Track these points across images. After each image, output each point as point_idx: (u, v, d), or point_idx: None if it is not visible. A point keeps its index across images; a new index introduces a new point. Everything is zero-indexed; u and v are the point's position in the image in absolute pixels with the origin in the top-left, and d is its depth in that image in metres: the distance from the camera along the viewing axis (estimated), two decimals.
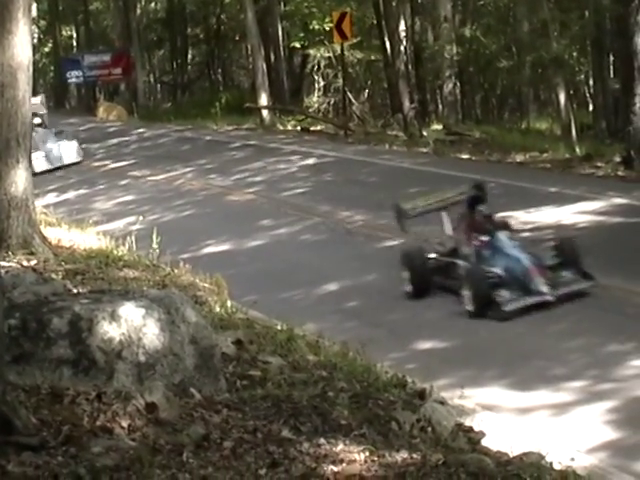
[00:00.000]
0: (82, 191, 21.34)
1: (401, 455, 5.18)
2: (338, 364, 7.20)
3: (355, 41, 32.38)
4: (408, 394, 6.82)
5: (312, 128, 30.89)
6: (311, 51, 36.40)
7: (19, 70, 10.73)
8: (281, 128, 31.43)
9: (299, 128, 31.16)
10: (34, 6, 43.82)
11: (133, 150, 28.43)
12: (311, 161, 23.22)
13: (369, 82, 38.04)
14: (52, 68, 54.54)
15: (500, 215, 12.50)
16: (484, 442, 6.23)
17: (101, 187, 21.74)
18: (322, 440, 5.21)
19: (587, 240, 13.49)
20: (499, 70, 34.45)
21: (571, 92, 30.44)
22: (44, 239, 11.21)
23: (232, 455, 4.92)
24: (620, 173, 19.30)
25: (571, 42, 30.31)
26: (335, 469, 4.89)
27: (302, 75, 41.02)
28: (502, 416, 7.86)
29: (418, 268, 11.67)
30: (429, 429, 6.04)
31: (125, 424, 5.05)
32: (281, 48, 37.56)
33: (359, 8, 35.47)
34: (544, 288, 10.49)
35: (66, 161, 24.78)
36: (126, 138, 31.15)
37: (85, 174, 23.85)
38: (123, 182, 22.20)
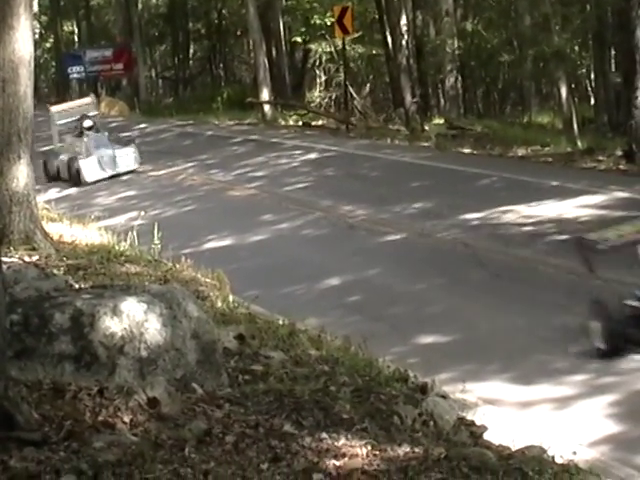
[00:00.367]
0: (84, 186, 21.34)
1: (403, 449, 5.18)
2: (340, 358, 7.20)
3: (356, 35, 32.39)
4: (410, 388, 6.82)
5: (314, 123, 30.91)
6: (313, 46, 36.44)
7: (20, 65, 10.73)
8: (283, 123, 31.44)
9: (301, 123, 31.18)
10: (35, 1, 43.87)
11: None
12: (313, 156, 23.22)
13: (371, 76, 38.05)
14: (54, 63, 54.58)
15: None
16: (486, 436, 6.23)
17: (103, 182, 21.74)
18: (324, 434, 5.21)
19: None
20: (501, 64, 34.52)
21: (573, 86, 30.45)
22: (46, 234, 11.22)
23: (234, 450, 4.92)
24: (622, 167, 19.31)
25: (573, 36, 30.33)
26: (337, 463, 4.89)
27: (304, 70, 41.02)
28: (504, 410, 7.86)
29: (613, 319, 9.14)
30: (431, 423, 6.03)
31: (127, 419, 5.05)
32: (283, 43, 37.57)
33: (360, 2, 35.50)
34: None
35: (122, 168, 22.27)
36: (128, 133, 31.03)
37: None
38: (125, 177, 22.19)
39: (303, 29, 36.99)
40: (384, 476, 4.81)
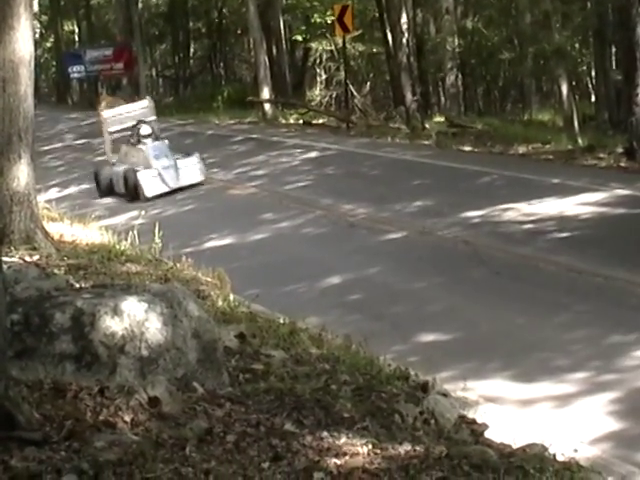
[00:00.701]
0: (84, 186, 21.32)
1: (404, 448, 5.18)
2: (341, 357, 7.20)
3: (357, 34, 32.41)
4: (411, 387, 6.82)
5: (314, 121, 30.91)
6: (313, 44, 36.47)
7: (21, 65, 10.73)
8: (283, 121, 31.44)
9: (301, 121, 31.18)
10: (35, 1, 43.83)
11: None
12: (313, 154, 23.21)
13: (371, 75, 38.08)
14: (54, 63, 54.59)
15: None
16: (487, 434, 6.23)
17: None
18: (325, 433, 5.21)
19: (590, 231, 13.53)
20: (501, 62, 34.52)
21: (573, 83, 30.46)
22: (46, 234, 11.22)
23: (235, 449, 4.92)
24: (623, 164, 19.30)
25: (573, 33, 30.36)
26: (338, 462, 4.89)
27: (304, 68, 41.05)
28: (505, 408, 7.86)
29: None
30: (432, 421, 6.04)
31: (128, 418, 5.06)
32: (283, 41, 37.60)
33: (360, 1, 35.52)
34: None
35: (186, 181, 19.56)
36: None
37: (87, 169, 23.78)
38: None
39: (303, 28, 37.02)
40: (385, 475, 4.81)
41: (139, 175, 19.03)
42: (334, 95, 35.22)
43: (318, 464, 4.84)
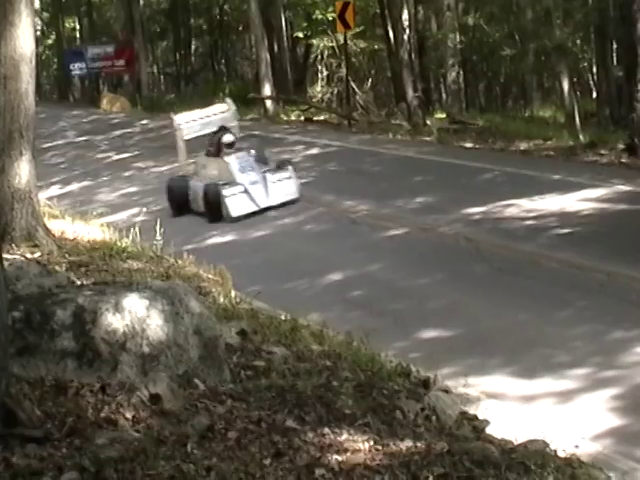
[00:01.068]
0: (86, 183, 21.33)
1: (405, 444, 5.19)
2: (342, 354, 7.21)
3: (358, 30, 32.38)
4: (412, 383, 6.83)
5: (316, 118, 30.88)
6: (314, 41, 36.41)
7: (22, 62, 10.72)
8: (285, 118, 31.41)
9: (303, 118, 31.15)
10: None
11: (137, 141, 28.41)
12: (315, 151, 23.20)
13: (372, 71, 38.01)
14: (55, 60, 54.53)
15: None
16: (488, 430, 6.24)
17: (105, 179, 21.73)
18: (326, 430, 5.22)
19: (591, 228, 13.52)
20: (502, 58, 34.50)
21: (574, 80, 30.46)
22: (48, 231, 11.22)
23: (236, 445, 4.93)
24: (624, 160, 19.28)
25: (574, 30, 30.34)
26: (339, 458, 4.90)
27: (305, 65, 41.03)
28: (506, 404, 7.86)
29: None
30: (433, 418, 6.04)
31: (129, 415, 5.06)
32: (284, 38, 37.58)
33: None
34: None
35: (278, 199, 16.63)
36: (130, 130, 31.15)
37: (89, 166, 23.85)
38: (127, 174, 22.18)
39: (305, 24, 36.99)
40: (386, 471, 4.81)
41: (223, 192, 16.26)
42: (335, 92, 35.17)
43: (320, 461, 4.85)
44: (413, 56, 32.03)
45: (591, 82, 36.18)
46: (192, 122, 18.27)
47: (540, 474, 5.09)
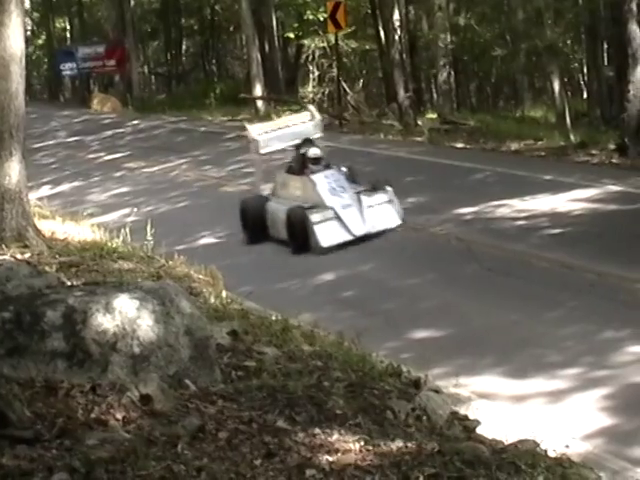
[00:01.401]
0: (76, 183, 21.29)
1: (396, 444, 5.19)
2: (333, 354, 7.20)
3: (349, 31, 32.36)
4: (403, 383, 6.83)
5: None
6: (305, 41, 36.37)
7: (12, 62, 10.70)
8: (276, 118, 31.38)
9: None
10: None
11: (128, 142, 28.38)
12: None
13: (364, 72, 38.03)
14: (46, 60, 54.42)
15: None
16: (479, 430, 6.24)
17: (96, 179, 21.69)
18: (317, 430, 5.22)
19: (582, 228, 13.54)
20: (494, 58, 34.49)
21: (565, 80, 30.47)
22: (38, 232, 11.19)
23: (227, 446, 4.92)
24: (615, 160, 19.32)
25: (565, 30, 30.35)
26: (330, 459, 4.89)
27: (297, 65, 40.98)
28: (497, 404, 7.87)
29: None
30: (424, 418, 6.04)
31: (120, 416, 5.05)
32: (275, 38, 37.55)
33: None
34: None
35: (375, 226, 14.01)
36: (121, 130, 31.11)
37: (80, 166, 23.80)
38: (118, 174, 22.15)
39: (296, 24, 36.96)
40: (377, 471, 4.81)
41: (311, 217, 13.81)
42: (327, 92, 35.17)
43: (310, 461, 4.85)
44: (404, 56, 32.03)
45: (582, 82, 36.22)
46: (271, 133, 15.74)
47: (531, 474, 5.10)
